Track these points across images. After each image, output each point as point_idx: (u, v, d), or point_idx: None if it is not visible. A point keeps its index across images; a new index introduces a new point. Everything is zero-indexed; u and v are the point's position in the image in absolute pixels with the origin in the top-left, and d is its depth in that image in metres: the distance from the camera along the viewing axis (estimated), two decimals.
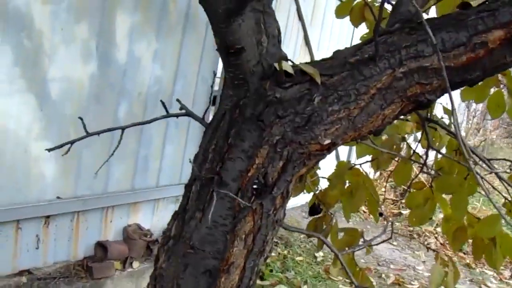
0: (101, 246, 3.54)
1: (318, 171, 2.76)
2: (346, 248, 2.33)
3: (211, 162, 1.41)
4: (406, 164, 2.24)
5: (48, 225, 3.16)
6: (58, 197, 3.10)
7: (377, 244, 2.14)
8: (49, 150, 1.60)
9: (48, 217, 3.13)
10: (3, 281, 3.01)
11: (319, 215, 2.47)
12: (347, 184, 2.44)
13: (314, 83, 1.34)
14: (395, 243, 6.16)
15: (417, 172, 2.21)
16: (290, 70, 1.34)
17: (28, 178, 2.91)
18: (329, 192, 2.49)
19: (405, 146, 2.46)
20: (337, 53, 1.46)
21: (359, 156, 2.54)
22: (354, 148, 2.65)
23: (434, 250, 1.92)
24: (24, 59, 2.66)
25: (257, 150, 1.34)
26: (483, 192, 1.47)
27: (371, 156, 2.48)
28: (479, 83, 1.59)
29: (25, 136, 2.81)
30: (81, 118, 1.66)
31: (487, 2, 1.41)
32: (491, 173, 1.64)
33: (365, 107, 1.35)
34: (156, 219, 4.08)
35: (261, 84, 1.36)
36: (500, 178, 1.72)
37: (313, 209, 2.48)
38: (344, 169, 2.44)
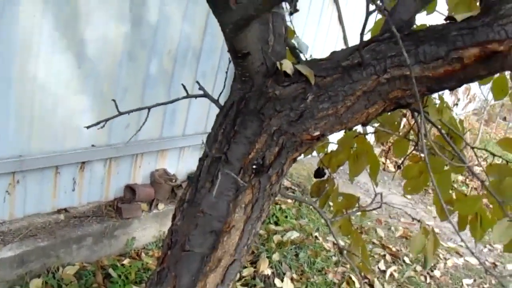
0: (130, 189, 3.90)
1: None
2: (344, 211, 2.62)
3: (220, 143, 1.69)
4: (403, 141, 2.48)
5: (84, 170, 3.51)
6: (93, 145, 3.44)
7: (369, 210, 2.40)
8: (88, 127, 1.88)
9: (83, 162, 3.48)
10: (44, 217, 3.41)
11: (323, 178, 2.74)
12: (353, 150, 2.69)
13: (309, 83, 1.58)
14: (409, 197, 6.43)
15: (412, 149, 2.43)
16: (289, 71, 1.59)
17: (67, 129, 3.24)
18: (333, 158, 2.75)
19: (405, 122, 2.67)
20: (333, 54, 1.69)
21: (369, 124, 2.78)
22: None
23: (418, 221, 2.16)
24: (64, 23, 2.91)
25: (257, 137, 1.61)
26: None
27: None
28: None
29: (64, 91, 3.11)
30: (114, 100, 1.91)
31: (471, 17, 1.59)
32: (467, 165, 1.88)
33: (351, 106, 1.59)
34: (181, 165, 4.41)
35: (264, 82, 1.61)
36: (471, 171, 1.94)
37: (318, 172, 2.74)
38: (351, 137, 2.68)
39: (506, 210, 1.96)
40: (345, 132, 2.73)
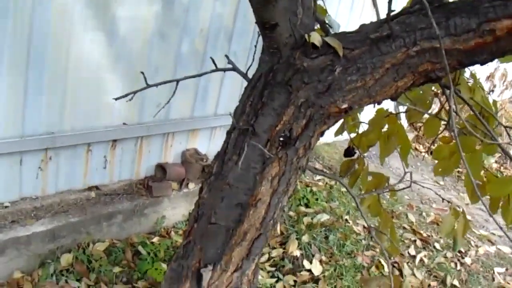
0: (161, 168, 3.94)
1: (359, 115, 2.99)
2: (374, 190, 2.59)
3: (247, 115, 1.69)
4: (434, 120, 2.43)
5: (115, 148, 3.56)
6: (124, 123, 3.48)
7: (398, 190, 2.37)
8: (116, 99, 1.90)
9: (115, 141, 3.53)
10: (75, 194, 3.47)
11: (353, 157, 2.72)
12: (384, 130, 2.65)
13: (337, 55, 1.56)
14: (442, 182, 6.35)
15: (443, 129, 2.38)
16: (318, 43, 1.57)
17: (98, 107, 3.28)
18: (364, 137, 2.72)
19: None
20: (362, 27, 1.67)
21: (400, 102, 2.74)
22: None
23: (448, 202, 2.15)
24: (95, 2, 2.95)
25: (285, 109, 1.61)
26: None
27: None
28: None
29: (96, 69, 3.15)
30: (142, 73, 1.93)
31: None
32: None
33: (380, 79, 1.57)
34: (212, 144, 4.43)
35: (292, 54, 1.60)
36: (502, 149, 1.90)
37: (348, 151, 2.72)
38: (382, 116, 2.64)
39: None
40: (376, 112, 2.70)
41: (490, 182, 2.34)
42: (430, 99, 2.55)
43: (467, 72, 2.33)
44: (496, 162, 7.17)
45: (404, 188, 2.29)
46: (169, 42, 3.49)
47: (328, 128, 1.71)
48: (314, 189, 4.95)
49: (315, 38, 1.58)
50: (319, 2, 2.56)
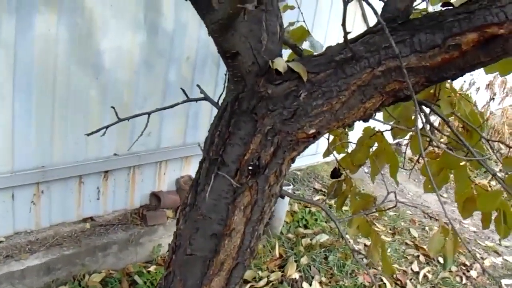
0: (155, 196, 3.92)
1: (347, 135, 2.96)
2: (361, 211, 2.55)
3: (216, 146, 1.67)
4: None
5: (107, 179, 3.55)
6: (115, 154, 3.47)
7: (385, 210, 2.34)
8: (88, 134, 1.89)
9: (106, 171, 3.52)
10: (70, 226, 3.46)
11: (340, 179, 2.69)
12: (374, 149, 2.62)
13: (302, 80, 1.55)
14: (445, 195, 6.27)
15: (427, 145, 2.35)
16: (281, 69, 1.55)
17: (88, 139, 3.25)
18: (351, 157, 2.69)
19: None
20: (328, 49, 1.65)
21: (385, 121, 2.71)
22: None
23: (436, 219, 2.11)
24: (78, 35, 2.96)
25: (252, 137, 1.59)
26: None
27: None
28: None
29: (84, 102, 3.16)
30: (113, 107, 1.92)
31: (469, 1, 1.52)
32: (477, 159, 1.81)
33: (346, 101, 1.55)
34: None
35: (256, 81, 1.59)
36: (482, 164, 1.86)
37: (334, 172, 2.70)
38: (368, 135, 2.61)
39: None
40: (363, 131, 2.68)
41: (479, 196, 2.31)
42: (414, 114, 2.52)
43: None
44: (500, 170, 7.07)
45: (389, 208, 2.25)
46: (155, 71, 3.50)
47: (298, 154, 1.68)
48: (313, 209, 4.90)
49: (279, 64, 1.57)
50: (302, 23, 2.56)
